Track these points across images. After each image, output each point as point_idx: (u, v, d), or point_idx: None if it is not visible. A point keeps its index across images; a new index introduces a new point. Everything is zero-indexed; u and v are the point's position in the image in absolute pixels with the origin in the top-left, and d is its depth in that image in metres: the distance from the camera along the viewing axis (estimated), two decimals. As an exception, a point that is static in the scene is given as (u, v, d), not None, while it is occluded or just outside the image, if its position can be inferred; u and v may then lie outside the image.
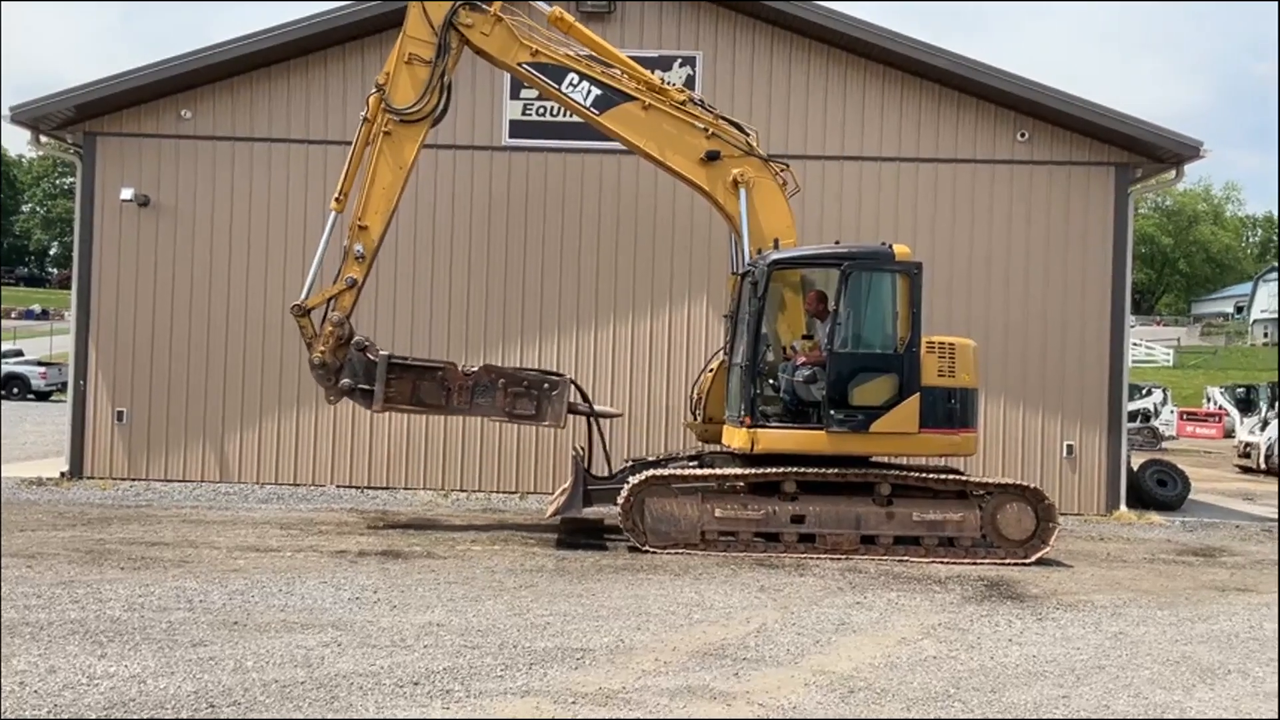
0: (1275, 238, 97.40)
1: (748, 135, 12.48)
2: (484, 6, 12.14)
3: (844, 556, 10.78)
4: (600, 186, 15.01)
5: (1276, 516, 15.46)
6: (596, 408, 12.57)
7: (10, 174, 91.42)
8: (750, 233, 12.14)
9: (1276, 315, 71.84)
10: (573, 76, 12.23)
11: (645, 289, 14.98)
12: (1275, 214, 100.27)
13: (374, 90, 12.00)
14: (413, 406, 12.07)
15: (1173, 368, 58.51)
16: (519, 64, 12.30)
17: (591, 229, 15.01)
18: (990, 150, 15.04)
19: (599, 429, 12.49)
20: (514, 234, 15.04)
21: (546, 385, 11.96)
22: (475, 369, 12.09)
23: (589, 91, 12.22)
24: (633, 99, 12.23)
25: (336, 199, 12.07)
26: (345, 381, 11.86)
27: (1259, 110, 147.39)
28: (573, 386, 12.12)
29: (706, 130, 12.26)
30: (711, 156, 12.22)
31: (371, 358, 11.89)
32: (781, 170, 12.48)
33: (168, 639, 7.03)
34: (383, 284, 14.90)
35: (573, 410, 12.16)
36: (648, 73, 12.62)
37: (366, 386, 11.85)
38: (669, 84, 12.77)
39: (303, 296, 12.04)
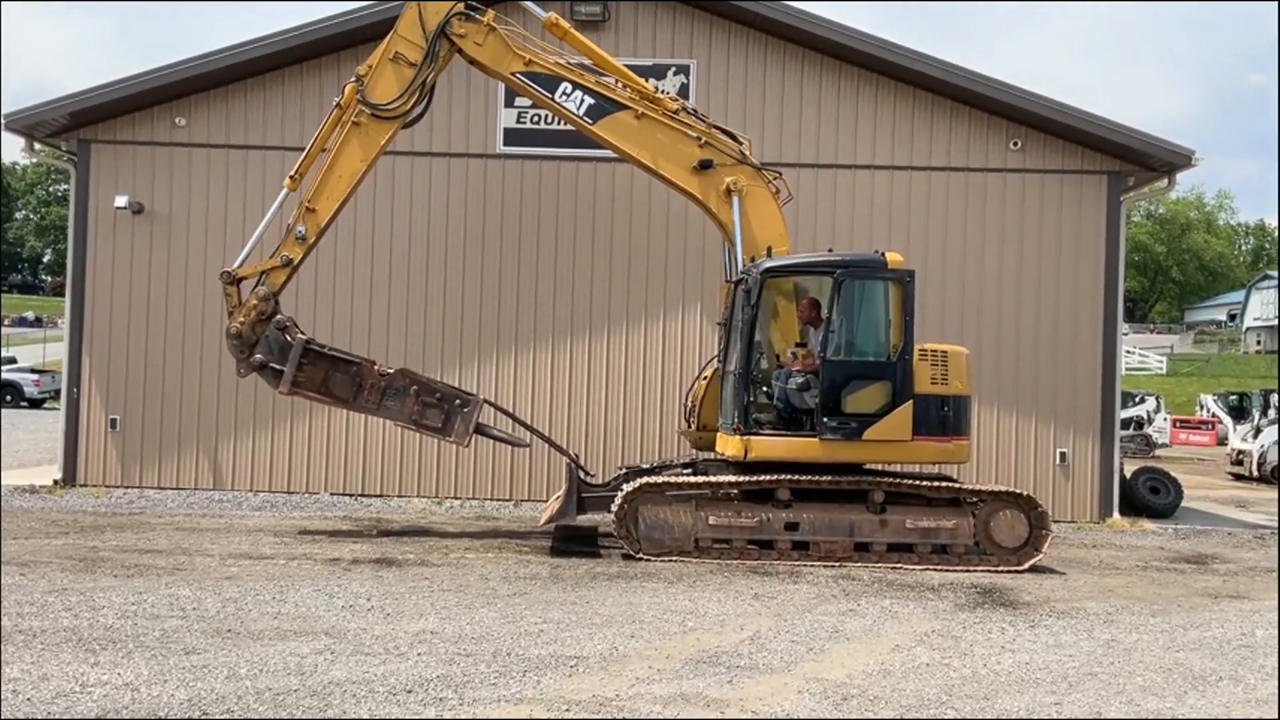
0: (1267, 245, 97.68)
1: (740, 144, 12.48)
2: (478, 16, 12.15)
3: (837, 564, 10.79)
4: (594, 195, 15.03)
5: (1274, 523, 15.49)
6: (502, 433, 12.49)
7: (4, 181, 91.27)
8: (743, 241, 12.14)
9: (1273, 323, 71.93)
10: (566, 86, 12.22)
11: (639, 296, 15.00)
12: (1267, 221, 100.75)
13: (353, 79, 12.00)
14: (320, 396, 11.97)
15: (1166, 375, 58.65)
16: (512, 74, 12.29)
17: (585, 237, 15.03)
18: (983, 159, 15.09)
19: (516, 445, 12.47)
20: (508, 242, 15.04)
21: (459, 401, 11.90)
22: (391, 370, 11.98)
23: (582, 101, 12.22)
24: (626, 108, 12.22)
25: (291, 177, 12.08)
26: (258, 357, 11.78)
27: (1251, 118, 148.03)
28: (487, 407, 12.07)
29: (699, 139, 12.25)
30: (704, 165, 12.20)
31: (289, 338, 11.81)
32: (774, 179, 12.49)
33: (161, 646, 7.02)
34: (376, 290, 14.94)
35: (480, 432, 12.06)
36: (642, 81, 12.61)
37: (278, 366, 11.76)
38: (663, 92, 12.77)
39: (235, 264, 12.06)
